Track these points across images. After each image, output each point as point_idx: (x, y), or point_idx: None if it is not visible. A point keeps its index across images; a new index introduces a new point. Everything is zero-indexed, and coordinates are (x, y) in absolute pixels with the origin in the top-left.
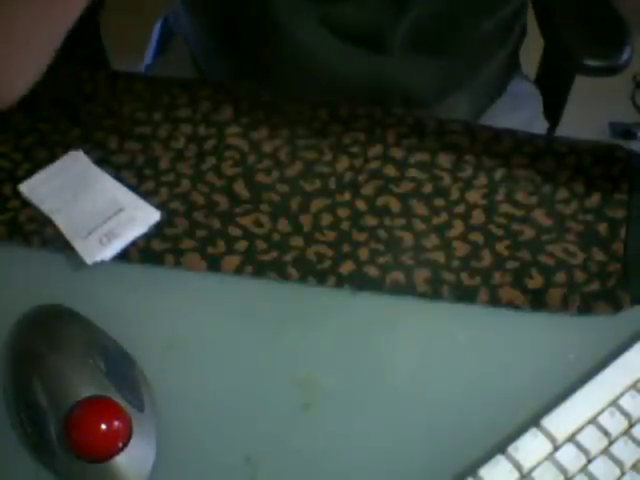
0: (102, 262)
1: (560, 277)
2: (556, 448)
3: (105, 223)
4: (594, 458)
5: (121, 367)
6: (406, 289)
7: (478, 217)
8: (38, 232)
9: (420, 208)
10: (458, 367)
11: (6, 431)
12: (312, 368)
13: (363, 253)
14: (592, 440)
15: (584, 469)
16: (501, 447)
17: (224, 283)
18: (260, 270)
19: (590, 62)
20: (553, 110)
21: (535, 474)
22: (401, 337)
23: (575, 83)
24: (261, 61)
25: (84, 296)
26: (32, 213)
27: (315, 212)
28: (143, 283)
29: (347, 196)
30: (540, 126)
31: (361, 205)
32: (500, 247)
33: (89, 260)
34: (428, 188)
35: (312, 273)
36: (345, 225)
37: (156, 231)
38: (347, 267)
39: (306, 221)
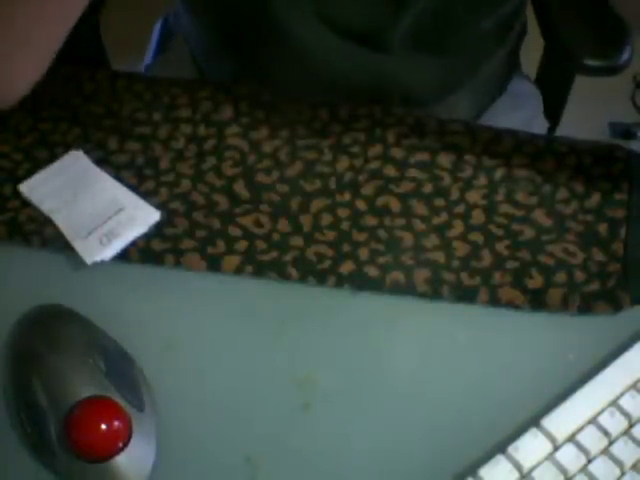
0: (102, 262)
1: (560, 277)
2: (556, 448)
3: (105, 223)
4: (594, 458)
5: (121, 367)
6: (406, 289)
7: (478, 217)
8: (38, 232)
9: (420, 208)
10: (458, 367)
11: (6, 431)
12: (312, 368)
13: (363, 253)
14: (592, 440)
15: (584, 469)
16: (501, 447)
17: (224, 283)
18: (260, 270)
19: (590, 62)
20: (553, 110)
21: (535, 474)
22: (401, 337)
23: (575, 83)
24: (262, 60)
25: (84, 296)
26: (32, 213)
27: (315, 212)
28: (143, 283)
29: (347, 196)
30: (540, 126)
31: (361, 205)
32: (500, 247)
33: (89, 260)
34: (428, 188)
35: (312, 273)
36: (345, 225)
37: (156, 231)
38: (347, 267)
39: (306, 221)
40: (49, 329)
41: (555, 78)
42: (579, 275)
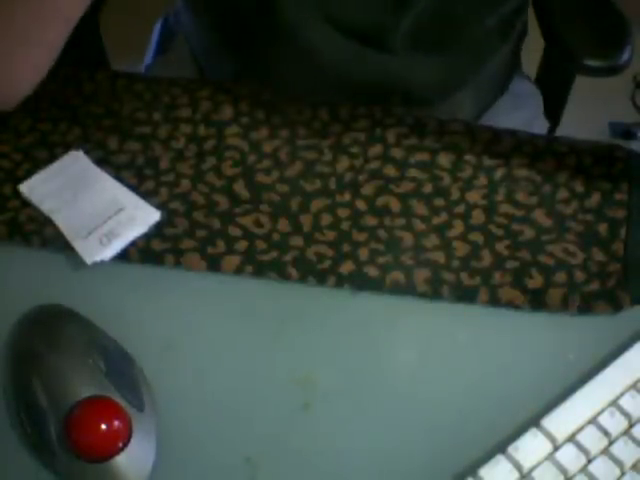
0: (102, 262)
1: (560, 277)
2: (556, 448)
3: (105, 223)
4: (594, 458)
5: (121, 367)
6: (406, 289)
7: (478, 217)
8: (38, 232)
9: (420, 208)
10: (458, 367)
11: (6, 431)
12: (312, 368)
13: (363, 253)
14: (592, 440)
15: (584, 469)
16: (501, 447)
17: (224, 283)
18: (260, 270)
19: (590, 62)
20: (553, 110)
21: (535, 474)
22: (401, 337)
23: (575, 83)
24: (263, 59)
25: (84, 296)
26: (32, 213)
27: (315, 212)
28: (143, 283)
29: (347, 196)
30: (541, 126)
31: (361, 205)
32: (500, 247)
33: (89, 260)
34: (428, 188)
35: (312, 273)
36: (345, 225)
37: (156, 231)
38: (347, 267)
39: (306, 221)
40: (49, 329)
41: (555, 78)
42: (579, 275)
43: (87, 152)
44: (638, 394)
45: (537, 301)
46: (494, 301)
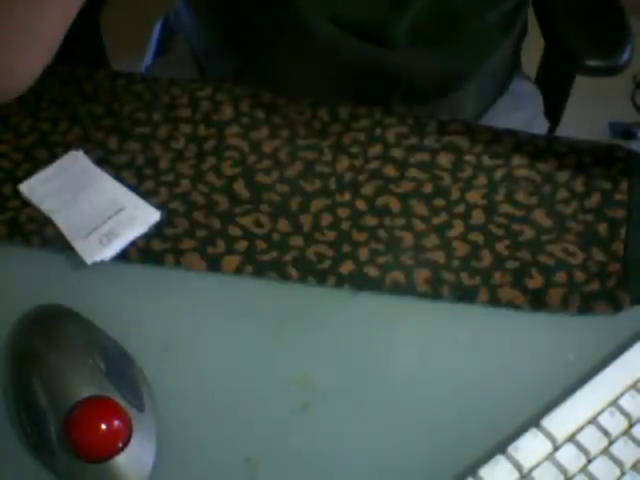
0: (102, 262)
1: (560, 277)
2: (556, 448)
3: (105, 223)
4: (594, 458)
5: (121, 367)
6: (406, 289)
7: (478, 217)
8: (38, 232)
9: (420, 208)
10: (458, 367)
11: (6, 431)
12: (312, 368)
13: (363, 253)
14: (592, 440)
15: (584, 469)
16: (501, 447)
17: (224, 283)
18: (260, 270)
19: (591, 62)
20: (553, 110)
21: (535, 474)
22: (401, 337)
23: (575, 83)
24: (265, 55)
25: (84, 296)
26: (32, 213)
27: (315, 212)
28: (143, 283)
29: (347, 196)
30: (541, 126)
31: (361, 205)
32: (500, 247)
33: (89, 260)
34: (428, 188)
35: (312, 273)
36: (345, 225)
37: (156, 231)
38: (347, 267)
39: (306, 221)
40: (49, 329)
41: (555, 78)
42: (579, 275)
43: (87, 152)
44: (638, 394)
45: (537, 301)
46: (494, 301)
